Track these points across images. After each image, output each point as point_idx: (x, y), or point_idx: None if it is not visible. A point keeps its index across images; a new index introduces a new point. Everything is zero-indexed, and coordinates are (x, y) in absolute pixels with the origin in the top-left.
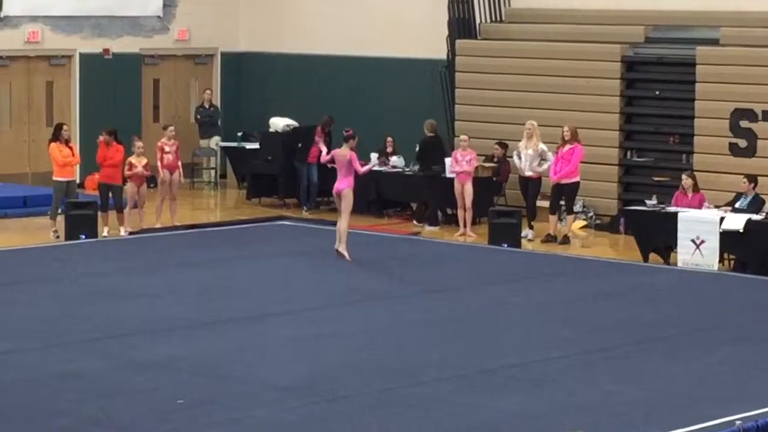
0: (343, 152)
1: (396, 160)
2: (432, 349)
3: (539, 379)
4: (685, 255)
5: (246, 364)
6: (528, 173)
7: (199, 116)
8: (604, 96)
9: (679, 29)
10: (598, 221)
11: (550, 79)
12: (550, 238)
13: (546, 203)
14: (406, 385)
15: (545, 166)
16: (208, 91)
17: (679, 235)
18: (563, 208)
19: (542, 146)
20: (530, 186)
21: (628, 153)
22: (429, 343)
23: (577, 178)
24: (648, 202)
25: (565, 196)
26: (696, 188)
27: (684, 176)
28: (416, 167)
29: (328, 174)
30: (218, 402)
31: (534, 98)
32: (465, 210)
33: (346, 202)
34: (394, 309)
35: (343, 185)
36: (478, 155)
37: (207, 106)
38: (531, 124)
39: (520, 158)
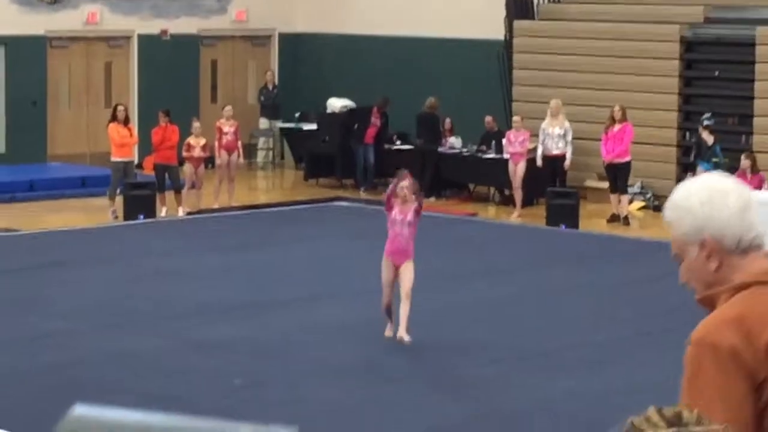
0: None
1: (454, 141)
2: (489, 329)
3: (598, 359)
4: None
5: (302, 345)
6: (555, 152)
7: (262, 98)
8: (662, 77)
9: (739, 9)
10: (656, 202)
11: (608, 59)
12: (614, 218)
13: (603, 184)
14: (464, 365)
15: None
16: (270, 73)
17: None
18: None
19: (567, 124)
20: (558, 164)
21: (687, 134)
22: (486, 324)
23: (629, 158)
24: None
25: (618, 175)
26: (755, 169)
27: (743, 157)
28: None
29: (385, 155)
30: (274, 382)
31: (592, 79)
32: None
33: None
34: (451, 290)
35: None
36: (533, 136)
37: (270, 88)
38: (556, 103)
39: (545, 137)
